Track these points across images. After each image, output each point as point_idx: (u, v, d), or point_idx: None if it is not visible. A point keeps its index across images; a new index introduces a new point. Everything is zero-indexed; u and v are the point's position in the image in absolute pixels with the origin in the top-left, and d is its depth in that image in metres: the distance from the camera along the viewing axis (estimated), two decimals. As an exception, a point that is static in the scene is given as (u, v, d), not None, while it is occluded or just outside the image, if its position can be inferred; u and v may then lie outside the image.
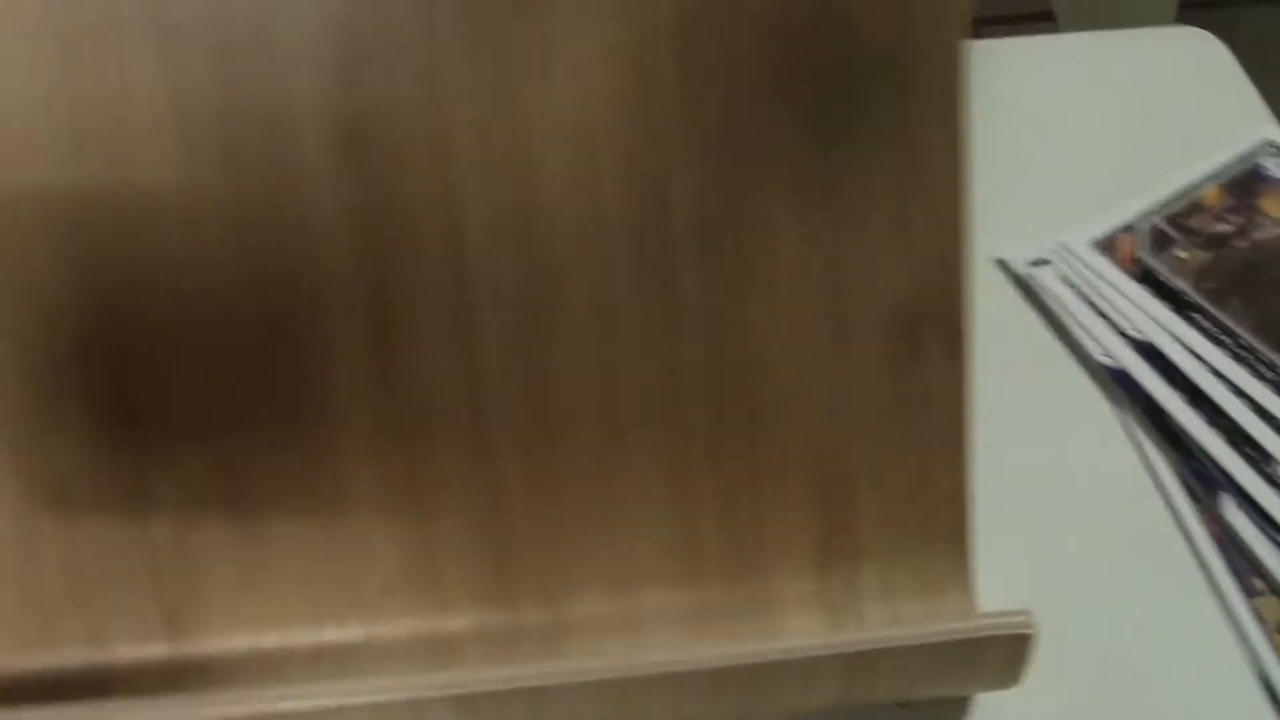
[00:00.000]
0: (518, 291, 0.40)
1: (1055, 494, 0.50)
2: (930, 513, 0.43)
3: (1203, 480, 0.50)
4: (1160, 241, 0.58)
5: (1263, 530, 0.48)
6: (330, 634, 0.41)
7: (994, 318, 0.54)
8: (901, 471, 0.42)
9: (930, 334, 0.42)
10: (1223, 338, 0.54)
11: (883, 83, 0.40)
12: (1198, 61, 0.67)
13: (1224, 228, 0.58)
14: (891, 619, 0.43)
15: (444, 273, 0.39)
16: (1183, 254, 0.57)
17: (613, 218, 0.40)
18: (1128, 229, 0.58)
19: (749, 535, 0.42)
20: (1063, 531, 0.49)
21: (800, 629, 0.42)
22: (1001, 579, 0.44)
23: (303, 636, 0.41)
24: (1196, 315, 0.55)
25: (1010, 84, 0.65)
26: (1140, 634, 0.46)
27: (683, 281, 0.41)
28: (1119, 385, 0.53)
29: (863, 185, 0.40)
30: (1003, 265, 0.57)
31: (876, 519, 0.42)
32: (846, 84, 0.39)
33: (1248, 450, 0.50)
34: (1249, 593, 0.47)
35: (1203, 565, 0.48)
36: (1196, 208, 0.59)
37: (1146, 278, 0.56)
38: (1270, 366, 0.53)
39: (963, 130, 0.40)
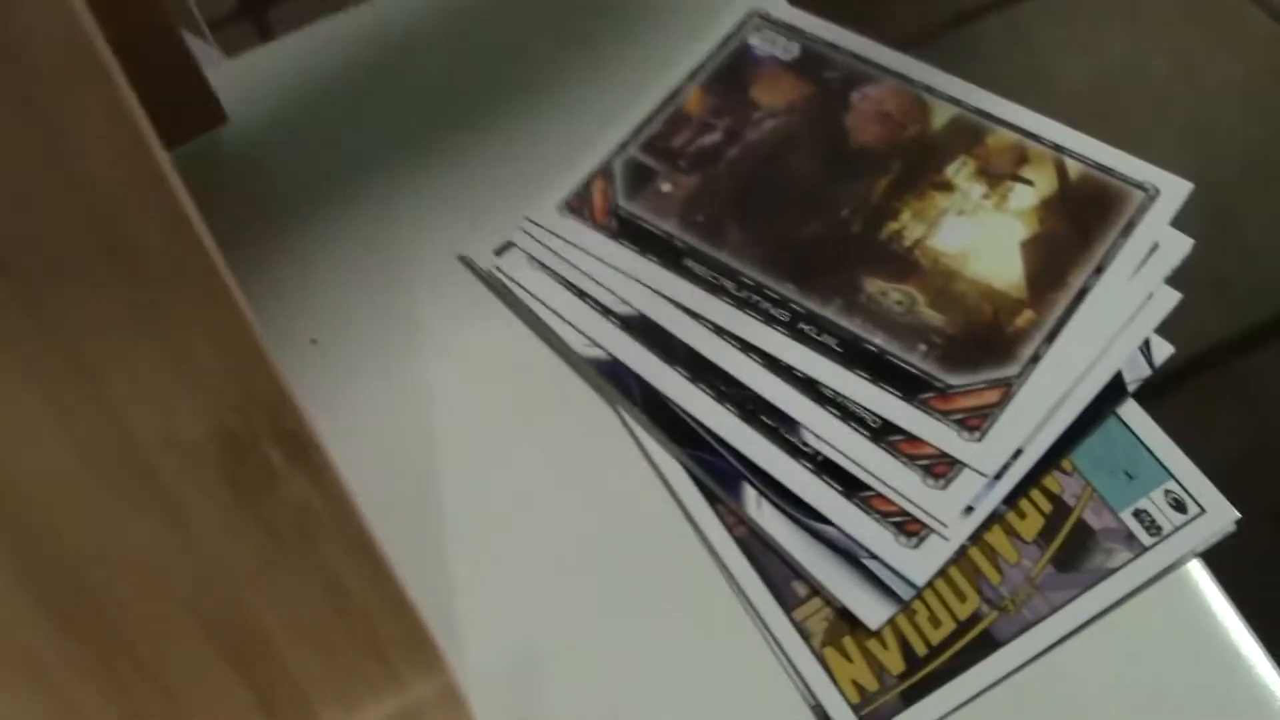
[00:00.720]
0: None
1: (556, 524, 0.41)
2: (366, 624, 0.36)
3: (718, 473, 0.41)
4: (638, 178, 0.48)
5: (794, 519, 0.40)
6: None
7: (460, 329, 0.45)
8: (311, 599, 0.35)
9: (270, 449, 0.33)
10: (722, 282, 0.44)
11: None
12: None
13: (711, 138, 0.49)
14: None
15: None
16: (666, 186, 0.47)
17: None
18: (601, 173, 0.48)
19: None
20: (568, 566, 0.40)
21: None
22: (503, 636, 0.36)
23: None
24: (690, 262, 0.45)
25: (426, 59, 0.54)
26: (667, 678, 0.38)
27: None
28: (609, 379, 0.43)
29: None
30: (467, 262, 0.47)
31: (310, 658, 0.36)
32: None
33: (765, 420, 0.41)
34: (788, 604, 0.39)
35: (732, 580, 0.40)
36: (677, 121, 0.49)
37: (626, 230, 0.46)
38: (782, 303, 0.43)
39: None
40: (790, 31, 0.51)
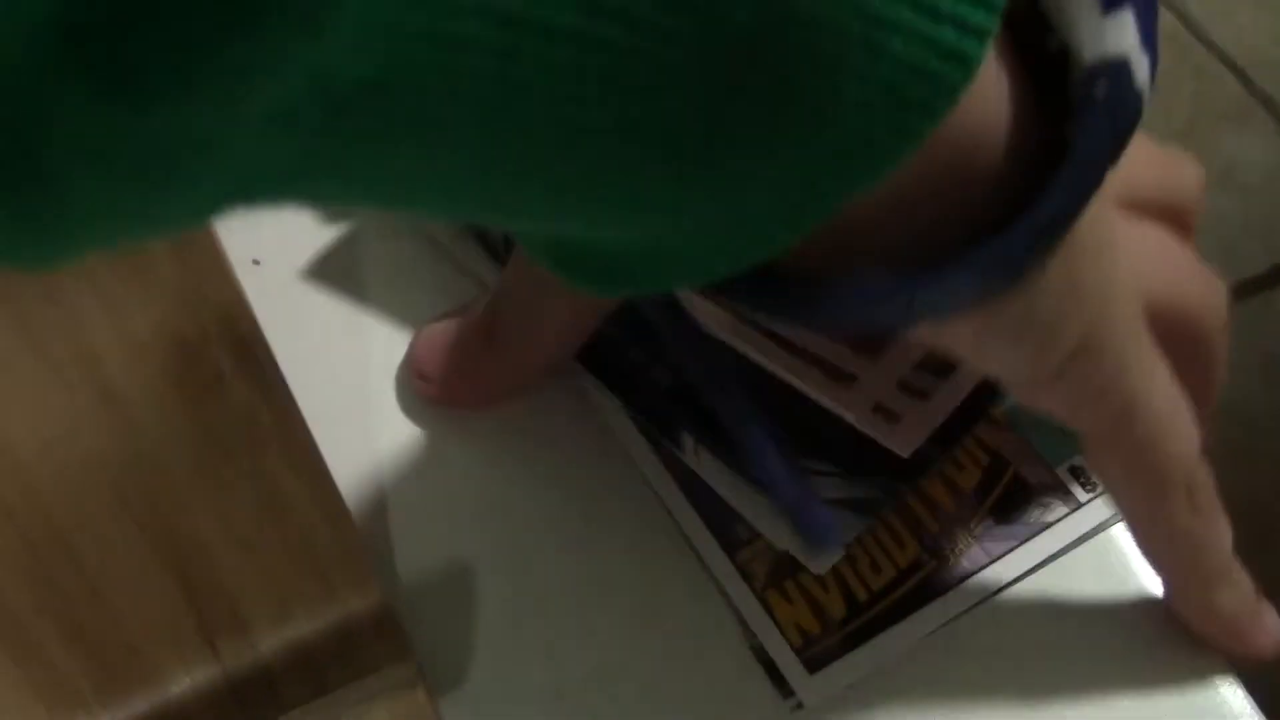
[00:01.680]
0: None
1: (494, 455, 0.41)
2: (303, 535, 0.35)
3: (657, 418, 0.41)
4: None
5: (725, 461, 0.40)
6: None
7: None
8: (250, 507, 0.35)
9: (221, 355, 0.33)
10: None
11: None
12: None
13: None
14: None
15: None
16: None
17: None
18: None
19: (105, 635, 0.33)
20: (506, 495, 0.40)
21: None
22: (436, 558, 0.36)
23: None
24: None
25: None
26: (604, 617, 0.38)
27: None
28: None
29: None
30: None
31: (245, 566, 0.35)
32: None
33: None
34: (732, 547, 0.39)
35: (672, 519, 0.40)
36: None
37: None
38: None
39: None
40: None
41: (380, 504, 0.39)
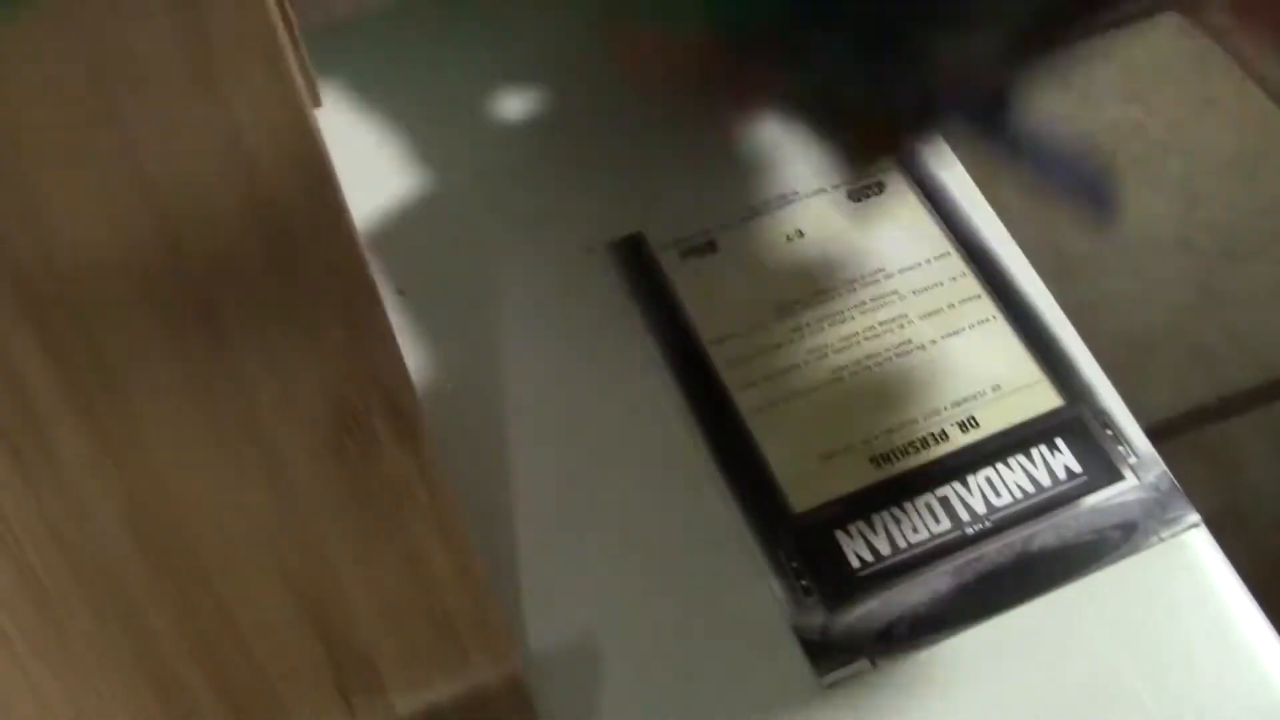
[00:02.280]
0: None
1: (615, 518, 0.42)
2: (444, 603, 0.36)
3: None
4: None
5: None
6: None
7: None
8: (395, 571, 0.35)
9: (380, 425, 0.33)
10: None
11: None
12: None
13: None
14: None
15: None
16: None
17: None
18: None
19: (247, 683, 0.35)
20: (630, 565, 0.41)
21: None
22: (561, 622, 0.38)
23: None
24: None
25: None
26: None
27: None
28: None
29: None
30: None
31: (385, 628, 0.36)
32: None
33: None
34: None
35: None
36: None
37: None
38: None
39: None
40: None
41: (514, 573, 0.40)
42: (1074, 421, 0.42)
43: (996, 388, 0.43)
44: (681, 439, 0.42)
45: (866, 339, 0.44)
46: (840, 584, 0.39)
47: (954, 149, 0.48)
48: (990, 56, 0.36)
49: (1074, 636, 0.39)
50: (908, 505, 0.41)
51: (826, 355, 0.44)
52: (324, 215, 0.30)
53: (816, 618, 0.39)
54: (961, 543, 0.40)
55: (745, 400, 0.43)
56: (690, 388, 0.43)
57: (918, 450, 0.42)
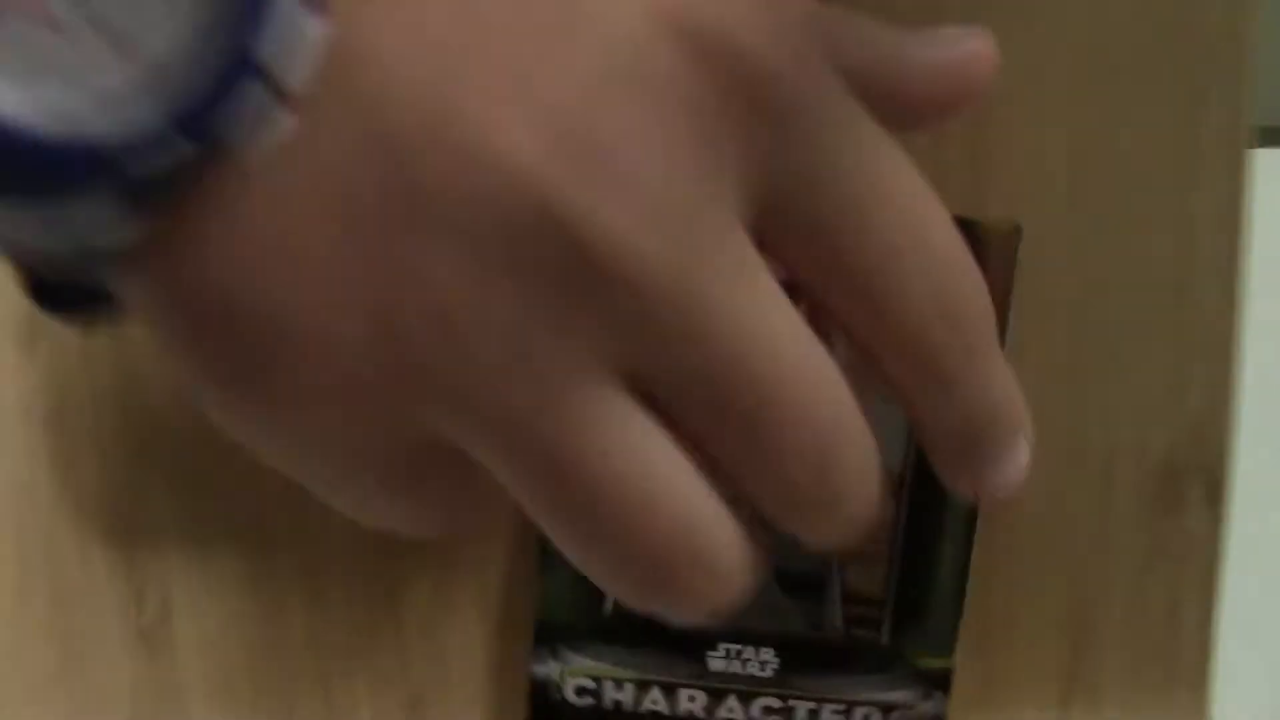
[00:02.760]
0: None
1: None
2: (1173, 658, 0.42)
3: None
4: None
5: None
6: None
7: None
8: (1148, 620, 0.42)
9: (1192, 486, 0.41)
10: None
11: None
12: None
13: None
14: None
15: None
16: None
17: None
18: None
19: (999, 667, 0.43)
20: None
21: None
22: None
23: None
24: None
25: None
26: None
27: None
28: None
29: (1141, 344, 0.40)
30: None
31: (1120, 663, 0.43)
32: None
33: None
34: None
35: None
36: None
37: None
38: None
39: (1240, 281, 0.39)
40: None
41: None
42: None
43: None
44: None
45: None
46: None
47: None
48: None
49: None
50: None
51: None
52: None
53: None
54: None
55: None
56: None
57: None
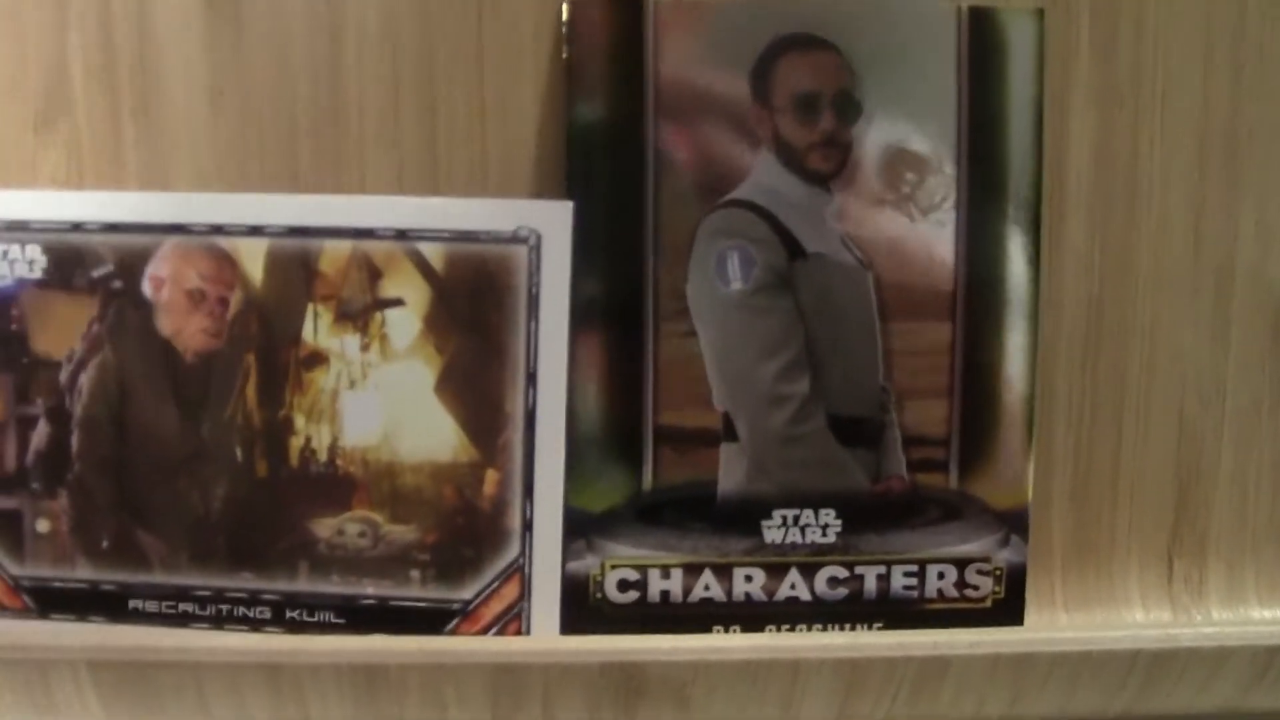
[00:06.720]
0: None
1: None
2: None
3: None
4: (5, 532, 0.39)
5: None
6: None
7: None
8: (1258, 467, 0.41)
9: None
10: (181, 607, 0.39)
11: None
12: None
13: (37, 438, 0.39)
14: (1238, 621, 0.42)
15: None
16: (42, 525, 0.38)
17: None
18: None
19: (1098, 516, 0.41)
20: None
21: (1148, 622, 0.42)
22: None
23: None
24: (137, 603, 0.38)
25: None
26: None
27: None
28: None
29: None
30: None
31: (1228, 516, 0.42)
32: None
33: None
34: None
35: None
36: None
37: (44, 601, 0.38)
38: (253, 600, 0.38)
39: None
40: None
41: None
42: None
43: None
44: None
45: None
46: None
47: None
48: None
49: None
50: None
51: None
52: None
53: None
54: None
55: None
56: None
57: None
